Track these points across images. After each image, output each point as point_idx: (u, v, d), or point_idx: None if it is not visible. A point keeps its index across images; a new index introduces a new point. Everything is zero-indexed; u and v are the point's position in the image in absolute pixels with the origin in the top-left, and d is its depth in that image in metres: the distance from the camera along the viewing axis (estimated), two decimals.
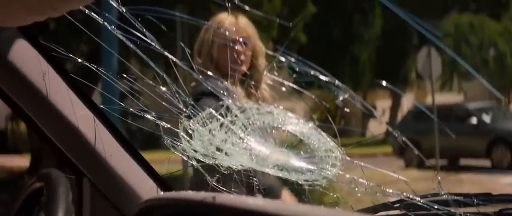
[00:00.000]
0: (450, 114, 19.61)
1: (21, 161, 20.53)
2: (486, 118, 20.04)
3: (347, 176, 1.80)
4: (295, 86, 1.85)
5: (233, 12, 3.07)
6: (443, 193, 1.77)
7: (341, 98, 1.77)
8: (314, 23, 23.19)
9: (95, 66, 1.90)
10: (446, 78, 32.34)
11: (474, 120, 19.82)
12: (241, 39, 3.04)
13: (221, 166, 1.77)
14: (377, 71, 29.39)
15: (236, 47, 3.00)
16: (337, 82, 1.73)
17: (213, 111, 1.87)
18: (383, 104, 31.79)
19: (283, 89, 1.84)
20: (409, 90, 32.35)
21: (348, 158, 1.87)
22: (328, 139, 1.91)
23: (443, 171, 16.02)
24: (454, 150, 18.72)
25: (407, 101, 31.86)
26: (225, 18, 3.05)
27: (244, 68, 3.00)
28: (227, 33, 3.00)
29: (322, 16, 24.40)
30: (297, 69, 1.77)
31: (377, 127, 28.87)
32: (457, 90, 34.62)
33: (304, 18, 19.35)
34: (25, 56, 1.74)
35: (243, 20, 3.09)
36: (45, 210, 1.70)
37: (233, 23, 3.04)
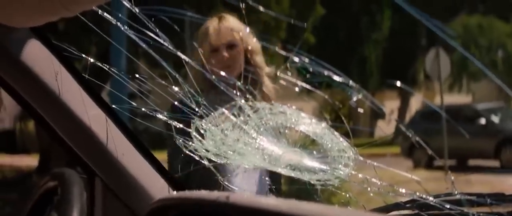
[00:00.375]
0: (459, 115, 19.55)
1: (30, 161, 20.57)
2: (495, 119, 19.99)
3: (360, 176, 1.79)
4: (308, 86, 1.85)
5: (220, 16, 3.04)
6: (456, 193, 1.77)
7: (355, 99, 1.77)
8: (322, 24, 23.16)
9: (107, 66, 1.91)
10: (455, 78, 32.33)
11: (482, 121, 19.77)
12: (226, 44, 2.99)
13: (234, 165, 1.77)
14: (385, 72, 29.36)
15: (224, 53, 2.96)
16: (351, 82, 1.73)
17: (226, 111, 1.87)
18: (391, 105, 31.66)
19: (297, 89, 1.83)
20: (417, 91, 32.28)
21: (361, 158, 1.87)
22: (341, 139, 1.91)
23: (451, 171, 15.93)
24: (463, 150, 18.68)
25: (416, 102, 31.78)
26: (210, 25, 3.01)
27: (234, 72, 2.95)
28: (210, 40, 2.97)
29: (330, 18, 24.36)
30: (311, 70, 1.77)
31: (385, 128, 28.81)
32: (465, 91, 34.55)
33: (314, 20, 19.33)
34: (37, 56, 1.74)
35: (227, 24, 3.02)
36: (58, 210, 1.71)
37: (216, 29, 3.01)
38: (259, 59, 3.04)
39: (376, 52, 29.83)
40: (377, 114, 29.09)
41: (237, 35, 2.99)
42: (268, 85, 2.99)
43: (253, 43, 3.03)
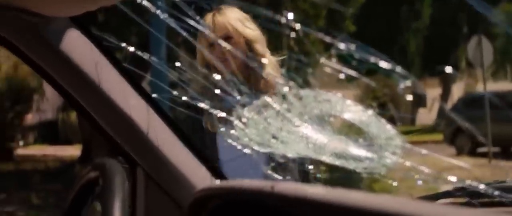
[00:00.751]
0: (503, 102, 19.36)
1: (72, 151, 20.83)
2: None
3: (408, 163, 1.75)
4: (353, 73, 1.80)
5: (217, 9, 3.01)
6: (508, 180, 1.72)
7: (402, 86, 1.72)
8: (362, 13, 23.04)
9: (148, 55, 1.89)
10: (498, 66, 32.03)
11: None
12: (220, 38, 2.96)
13: (277, 154, 1.74)
14: (426, 60, 29.21)
15: (219, 47, 2.94)
16: (398, 69, 1.68)
17: (269, 99, 1.84)
18: (433, 92, 31.50)
19: (341, 76, 1.79)
20: (460, 78, 32.07)
21: (410, 146, 1.82)
22: (389, 126, 1.87)
23: (495, 158, 15.86)
24: (506, 137, 18.51)
25: (458, 89, 31.56)
26: (206, 20, 2.98)
27: (232, 64, 2.90)
28: (206, 36, 2.94)
29: (370, 6, 24.25)
30: (357, 56, 1.73)
31: (427, 115, 28.65)
32: (510, 78, 34.20)
33: (354, 9, 19.21)
34: (77, 46, 1.74)
35: (221, 17, 3.00)
36: (101, 200, 1.69)
37: (210, 24, 2.98)
38: (259, 47, 3.01)
39: (417, 40, 29.68)
40: (418, 101, 28.93)
41: (230, 27, 2.96)
42: (270, 73, 2.97)
43: (251, 32, 3.01)
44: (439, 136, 20.79)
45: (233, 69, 2.86)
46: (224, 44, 2.88)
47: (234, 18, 3.01)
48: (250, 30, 3.01)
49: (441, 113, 26.84)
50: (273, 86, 2.88)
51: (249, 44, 2.99)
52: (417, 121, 31.30)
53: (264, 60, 2.99)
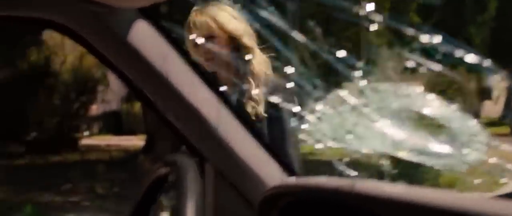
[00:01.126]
0: None
1: (136, 141, 21.07)
2: None
3: (493, 160, 1.67)
4: (438, 67, 1.73)
5: (202, 7, 2.94)
6: None
7: (492, 81, 1.64)
8: (426, 5, 22.78)
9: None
10: None
11: None
12: (204, 37, 2.88)
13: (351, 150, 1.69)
14: (492, 53, 28.77)
15: (202, 47, 2.88)
16: (487, 63, 1.60)
17: (344, 94, 1.78)
18: (498, 85, 31.00)
19: (423, 69, 1.72)
20: None
21: (494, 142, 1.74)
22: (472, 122, 1.79)
23: None
24: None
25: None
26: (190, 19, 2.92)
27: (217, 63, 2.87)
28: (190, 35, 2.89)
29: None
30: (442, 50, 1.65)
31: (492, 108, 28.24)
32: None
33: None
34: (145, 37, 1.71)
35: (202, 16, 2.91)
36: (173, 197, 1.66)
37: (194, 23, 2.90)
38: (247, 41, 2.92)
39: (483, 33, 29.24)
40: (484, 94, 28.52)
41: (213, 25, 2.89)
42: (257, 66, 2.92)
43: (235, 27, 2.92)
44: (505, 129, 20.48)
45: (217, 68, 2.82)
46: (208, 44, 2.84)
47: (217, 15, 2.92)
48: (235, 25, 2.92)
49: (507, 105, 26.45)
50: (260, 79, 2.85)
51: (236, 39, 2.92)
52: (482, 114, 30.89)
53: (249, 56, 2.91)
